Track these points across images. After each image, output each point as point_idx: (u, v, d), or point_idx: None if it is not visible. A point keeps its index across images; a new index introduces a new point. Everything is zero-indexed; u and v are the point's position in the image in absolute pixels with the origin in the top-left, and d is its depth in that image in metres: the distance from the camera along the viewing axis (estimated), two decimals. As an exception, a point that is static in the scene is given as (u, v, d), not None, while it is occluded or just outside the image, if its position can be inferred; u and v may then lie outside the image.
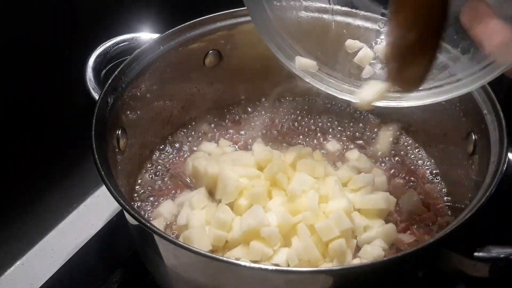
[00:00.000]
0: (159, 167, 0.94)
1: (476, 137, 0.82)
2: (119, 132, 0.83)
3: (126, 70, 0.85)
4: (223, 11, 0.93)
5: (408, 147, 0.97)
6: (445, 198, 0.89)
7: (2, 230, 0.95)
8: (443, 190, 0.90)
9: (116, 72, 0.84)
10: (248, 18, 0.93)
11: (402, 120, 0.98)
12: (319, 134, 0.99)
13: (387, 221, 0.82)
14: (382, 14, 0.84)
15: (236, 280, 0.69)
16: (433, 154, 0.95)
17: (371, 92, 0.75)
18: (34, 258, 0.99)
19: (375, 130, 0.99)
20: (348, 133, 0.99)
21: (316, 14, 0.85)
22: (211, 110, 1.02)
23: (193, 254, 0.64)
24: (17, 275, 0.97)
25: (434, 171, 0.93)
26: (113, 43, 0.90)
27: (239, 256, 0.75)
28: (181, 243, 0.65)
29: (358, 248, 0.78)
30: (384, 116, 1.00)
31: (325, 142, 0.97)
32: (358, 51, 0.83)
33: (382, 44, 0.83)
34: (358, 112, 1.02)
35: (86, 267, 0.95)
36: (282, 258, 0.75)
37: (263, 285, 0.67)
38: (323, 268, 0.72)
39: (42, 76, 0.92)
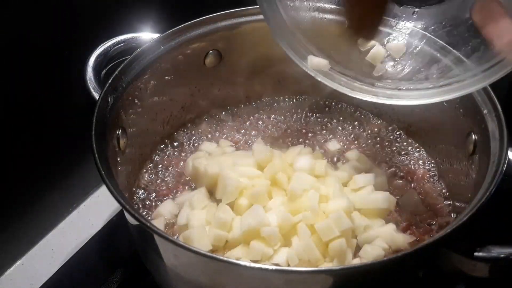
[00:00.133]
0: (159, 167, 0.94)
1: (476, 137, 0.82)
2: (119, 132, 0.83)
3: (126, 70, 0.85)
4: (223, 11, 0.93)
5: (408, 147, 0.97)
6: (445, 198, 0.89)
7: (2, 230, 0.95)
8: (443, 190, 0.90)
9: (116, 72, 0.84)
10: (248, 18, 0.94)
11: (402, 120, 0.98)
12: (319, 134, 0.99)
13: (387, 221, 0.82)
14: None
15: (236, 280, 0.69)
16: (433, 154, 0.95)
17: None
18: (34, 258, 0.99)
19: (375, 130, 0.99)
20: (349, 133, 0.99)
21: (330, 16, 0.85)
22: (211, 110, 1.02)
23: (193, 254, 0.64)
24: (17, 275, 0.97)
25: (434, 171, 0.93)
26: (113, 43, 0.90)
27: (239, 256, 0.75)
28: (181, 243, 0.65)
29: (358, 248, 0.78)
30: (385, 116, 1.00)
31: (325, 142, 0.98)
32: (370, 49, 0.83)
33: (394, 42, 0.84)
34: (358, 112, 1.02)
35: (86, 267, 0.95)
36: (282, 258, 0.75)
37: (263, 285, 0.67)
38: (323, 268, 0.72)
39: (42, 76, 0.92)
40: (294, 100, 1.04)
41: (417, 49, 0.83)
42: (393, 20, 0.84)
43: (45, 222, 1.02)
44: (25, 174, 0.95)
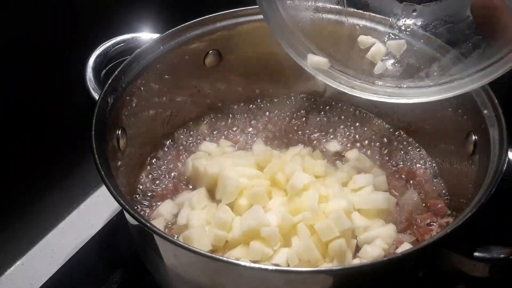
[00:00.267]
0: (159, 167, 0.94)
1: (476, 137, 0.82)
2: (119, 132, 0.83)
3: (126, 70, 0.85)
4: (223, 11, 0.93)
5: (408, 147, 0.97)
6: (445, 198, 0.89)
7: (2, 230, 0.95)
8: (443, 190, 0.90)
9: (116, 72, 0.84)
10: (248, 18, 0.94)
11: (402, 120, 0.98)
12: (319, 134, 0.99)
13: (387, 221, 0.83)
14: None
15: (236, 280, 0.69)
16: (433, 154, 0.94)
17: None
18: (34, 258, 0.99)
19: (375, 130, 0.99)
20: (348, 133, 0.99)
21: (330, 16, 0.85)
22: (211, 110, 1.02)
23: (193, 254, 0.64)
24: (17, 275, 0.97)
25: (434, 171, 0.93)
26: (113, 43, 0.90)
27: (239, 256, 0.75)
28: (181, 243, 0.65)
29: (358, 248, 0.78)
30: (385, 116, 1.00)
31: (325, 142, 0.97)
32: (370, 47, 0.83)
33: (394, 39, 0.83)
34: (358, 112, 1.02)
35: (86, 267, 0.95)
36: (282, 258, 0.75)
37: (263, 285, 0.67)
38: (323, 268, 0.72)
39: (42, 76, 0.92)
40: (294, 100, 1.04)
41: (418, 46, 0.83)
42: (393, 17, 0.84)
43: (45, 222, 1.02)
44: (25, 174, 0.95)
